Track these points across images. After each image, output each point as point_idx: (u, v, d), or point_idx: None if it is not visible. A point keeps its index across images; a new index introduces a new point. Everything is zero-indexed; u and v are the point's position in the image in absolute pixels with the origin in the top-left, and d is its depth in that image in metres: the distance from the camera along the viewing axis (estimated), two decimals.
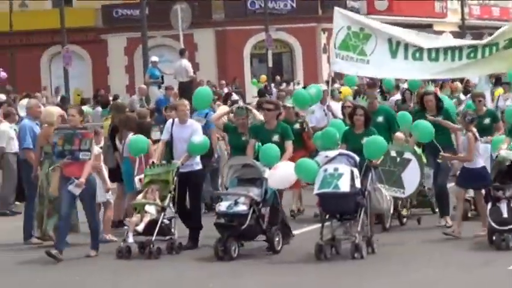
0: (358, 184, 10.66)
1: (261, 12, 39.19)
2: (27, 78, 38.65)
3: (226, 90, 30.45)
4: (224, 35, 42.98)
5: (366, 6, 45.84)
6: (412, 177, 12.21)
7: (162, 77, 27.71)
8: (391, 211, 12.15)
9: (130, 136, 12.70)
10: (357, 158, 10.89)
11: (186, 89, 23.54)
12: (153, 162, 11.75)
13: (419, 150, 12.65)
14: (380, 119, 12.52)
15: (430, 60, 12.63)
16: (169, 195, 11.49)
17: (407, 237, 12.06)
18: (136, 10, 35.59)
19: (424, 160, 12.43)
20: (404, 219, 12.92)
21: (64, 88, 33.05)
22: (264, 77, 36.99)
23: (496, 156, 11.64)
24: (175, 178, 11.53)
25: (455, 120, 12.88)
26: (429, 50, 12.55)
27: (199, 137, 11.74)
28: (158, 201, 11.45)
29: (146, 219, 11.20)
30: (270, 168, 11.10)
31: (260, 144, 11.75)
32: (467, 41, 13.60)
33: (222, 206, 11.15)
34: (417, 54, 12.65)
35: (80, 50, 42.09)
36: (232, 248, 10.87)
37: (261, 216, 11.12)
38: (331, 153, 11.16)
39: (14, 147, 15.05)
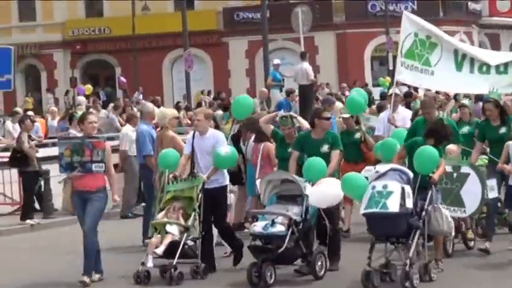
0: (409, 204, 9.58)
1: (381, 14, 38.87)
2: (150, 82, 39.90)
3: (347, 93, 30.15)
4: (345, 38, 42.68)
5: (487, 8, 44.92)
6: (472, 194, 11.00)
7: (283, 79, 27.77)
8: (453, 234, 10.73)
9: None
10: (411, 174, 9.82)
11: (307, 93, 23.56)
12: (175, 177, 10.82)
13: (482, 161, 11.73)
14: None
15: (499, 73, 12.03)
16: (193, 213, 10.53)
17: (473, 263, 10.89)
18: (257, 13, 35.98)
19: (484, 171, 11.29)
20: (471, 243, 11.56)
21: (186, 91, 33.71)
22: (388, 79, 36.46)
23: None
24: (200, 195, 10.55)
25: None
26: (497, 65, 12.01)
27: (225, 148, 10.78)
28: (181, 220, 10.50)
29: (167, 240, 10.26)
30: (312, 184, 10.15)
31: (307, 156, 10.69)
32: None
33: (258, 227, 10.15)
34: (484, 68, 12.08)
35: (202, 53, 42.94)
36: (268, 273, 9.91)
37: (301, 237, 10.10)
38: (382, 168, 10.05)
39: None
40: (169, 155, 11.26)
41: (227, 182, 11.10)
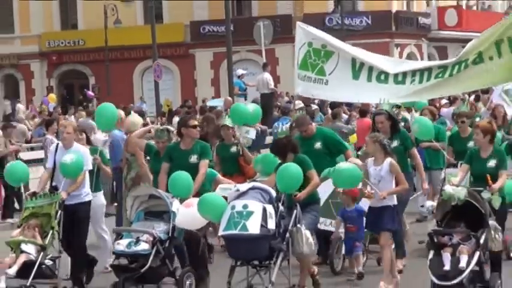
0: (271, 225, 8.58)
1: (338, 28, 39.36)
2: (121, 91, 40.87)
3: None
4: None
5: (436, 22, 46.44)
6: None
7: (246, 88, 28.88)
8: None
9: None
10: (273, 193, 8.86)
11: (268, 101, 24.57)
12: (34, 193, 9.90)
13: None
14: (317, 145, 10.72)
15: (396, 83, 11.31)
16: (51, 231, 9.53)
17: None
18: (222, 26, 36.36)
19: None
20: None
21: (155, 99, 34.33)
22: None
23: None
24: (59, 211, 9.55)
25: (410, 145, 10.85)
26: (395, 74, 11.30)
27: (70, 155, 9.67)
28: (38, 238, 9.50)
29: (21, 259, 9.26)
30: (181, 200, 9.20)
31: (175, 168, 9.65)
32: (438, 62, 12.56)
33: (121, 245, 9.21)
34: (382, 77, 11.36)
35: (170, 64, 44.32)
36: None
37: (167, 256, 9.24)
38: (242, 187, 9.03)
39: None
40: (17, 168, 10.52)
41: (90, 197, 10.12)
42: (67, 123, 11.83)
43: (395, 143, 10.27)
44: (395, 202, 9.41)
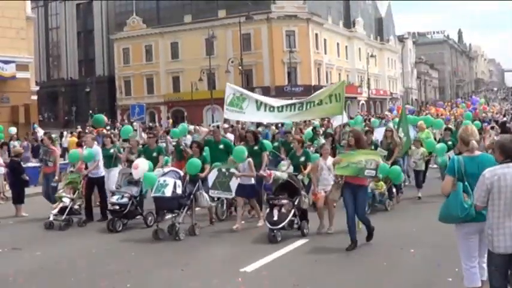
0: (179, 191, 14.28)
1: None
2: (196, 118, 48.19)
3: None
4: None
5: None
6: (235, 185, 15.84)
7: None
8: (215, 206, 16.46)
9: None
10: (181, 173, 14.79)
11: None
12: (71, 171, 17.55)
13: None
14: (221, 146, 17.83)
15: (279, 111, 18.37)
16: (77, 191, 17.06)
17: None
18: None
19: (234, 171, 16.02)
20: None
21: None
22: None
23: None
24: (81, 181, 17.27)
25: (265, 148, 17.35)
26: (278, 107, 18.45)
27: (87, 151, 17.59)
28: (71, 194, 16.88)
29: (59, 205, 16.63)
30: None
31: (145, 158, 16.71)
32: (299, 100, 19.11)
33: (113, 198, 15.95)
34: (271, 109, 18.50)
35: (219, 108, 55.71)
36: (117, 224, 15.60)
37: (138, 204, 16.01)
38: (166, 169, 15.58)
39: None
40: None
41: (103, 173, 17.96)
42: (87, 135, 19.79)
43: (256, 148, 16.94)
44: (253, 182, 15.62)
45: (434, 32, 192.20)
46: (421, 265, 11.07)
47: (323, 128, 28.32)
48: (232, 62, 64.02)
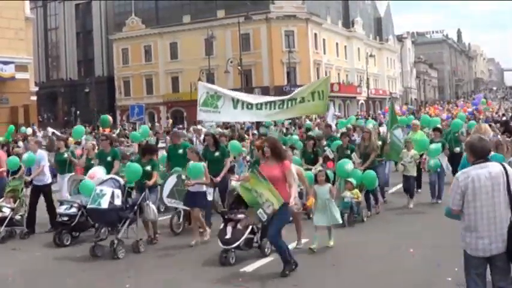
0: (118, 202, 12.42)
1: None
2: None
3: None
4: None
5: None
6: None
7: None
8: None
9: None
10: (122, 182, 12.79)
11: None
12: (13, 178, 15.82)
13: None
14: (180, 151, 16.20)
15: (257, 109, 16.78)
16: (18, 199, 15.34)
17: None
18: None
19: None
20: None
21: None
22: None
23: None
24: (23, 188, 15.54)
25: (226, 155, 16.31)
26: (256, 104, 16.84)
27: (27, 155, 16.25)
28: (12, 203, 15.16)
29: None
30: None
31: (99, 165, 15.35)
32: (279, 97, 17.53)
33: (61, 209, 14.32)
34: (249, 106, 16.83)
35: None
36: (64, 238, 13.97)
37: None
38: (105, 178, 13.33)
39: None
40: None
41: (50, 181, 16.31)
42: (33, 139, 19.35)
43: (217, 154, 15.89)
44: (204, 189, 13.77)
45: (433, 32, 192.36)
46: (421, 265, 10.98)
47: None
48: (231, 62, 63.69)
